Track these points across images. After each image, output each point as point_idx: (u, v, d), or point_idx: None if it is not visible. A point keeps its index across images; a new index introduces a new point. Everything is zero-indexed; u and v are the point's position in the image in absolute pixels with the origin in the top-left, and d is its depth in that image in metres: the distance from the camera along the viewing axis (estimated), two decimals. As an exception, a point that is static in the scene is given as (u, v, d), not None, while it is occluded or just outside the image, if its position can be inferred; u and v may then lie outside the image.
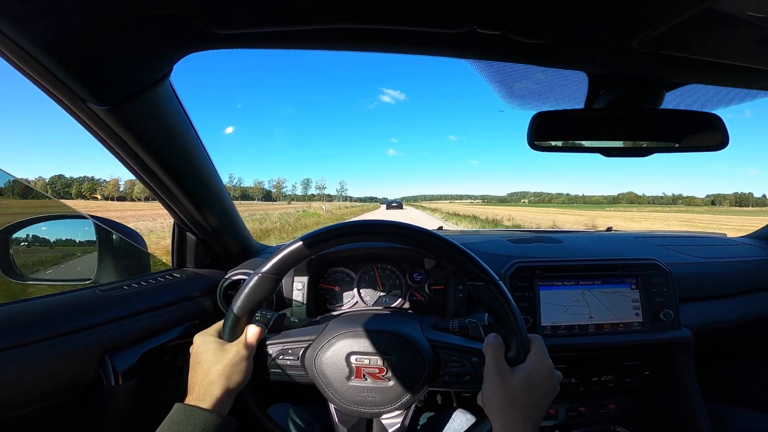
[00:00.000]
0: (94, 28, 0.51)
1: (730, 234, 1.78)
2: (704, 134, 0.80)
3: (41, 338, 0.72)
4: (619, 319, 1.12)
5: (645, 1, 0.50)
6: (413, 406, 0.75)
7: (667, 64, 0.66)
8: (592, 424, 1.21)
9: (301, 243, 0.68)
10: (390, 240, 0.70)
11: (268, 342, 0.74)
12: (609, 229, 1.99)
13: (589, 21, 0.57)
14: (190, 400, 0.64)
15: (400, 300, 1.28)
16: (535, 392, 0.64)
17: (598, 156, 0.84)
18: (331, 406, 0.76)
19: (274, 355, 0.74)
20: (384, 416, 0.74)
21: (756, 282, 1.37)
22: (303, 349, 0.74)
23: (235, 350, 0.68)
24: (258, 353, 0.72)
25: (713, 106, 0.83)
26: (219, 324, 0.73)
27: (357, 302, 1.28)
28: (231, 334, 0.70)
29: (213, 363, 0.66)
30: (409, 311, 1.25)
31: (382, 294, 1.29)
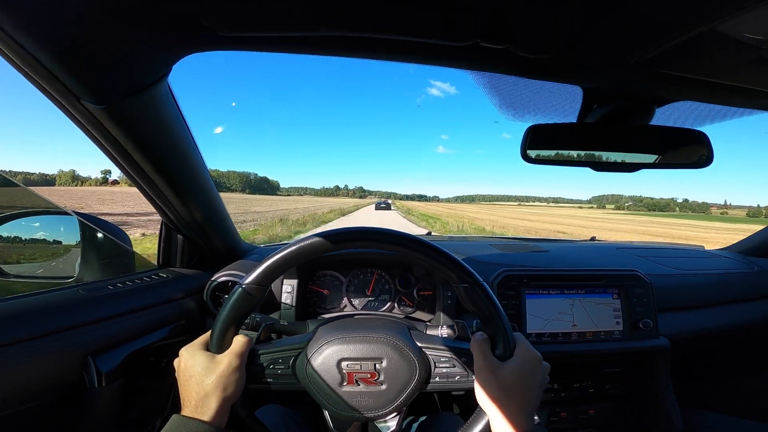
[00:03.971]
0: (95, 24, 0.50)
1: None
2: (690, 151, 0.83)
3: (19, 340, 0.69)
4: (600, 328, 1.16)
5: (648, 20, 0.51)
6: (406, 409, 0.76)
7: (663, 82, 0.68)
8: (573, 429, 1.24)
9: (284, 253, 0.67)
10: (375, 247, 0.70)
11: (258, 351, 0.73)
12: (593, 238, 2.04)
13: (592, 37, 0.58)
14: (186, 413, 0.63)
15: (389, 305, 1.29)
16: (527, 383, 0.65)
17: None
18: (325, 413, 0.76)
19: (265, 364, 0.73)
20: (378, 420, 0.74)
21: (731, 294, 1.43)
22: (293, 358, 0.74)
23: (227, 361, 0.66)
24: (249, 362, 0.71)
25: (700, 123, 0.86)
26: (204, 336, 0.72)
27: (346, 306, 1.28)
28: (219, 345, 0.69)
29: (205, 375, 0.64)
30: (398, 316, 1.26)
31: (371, 298, 1.29)
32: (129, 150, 0.73)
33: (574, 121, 0.87)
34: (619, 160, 0.86)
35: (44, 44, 0.49)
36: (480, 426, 0.69)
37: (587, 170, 0.90)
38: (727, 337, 1.40)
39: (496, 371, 0.65)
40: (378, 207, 66.07)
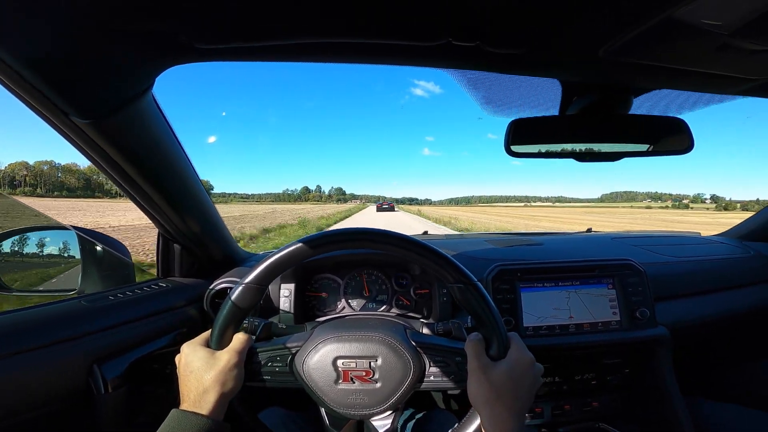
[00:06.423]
0: (77, 42, 0.52)
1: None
2: (671, 138, 0.84)
3: (25, 349, 0.73)
4: (597, 319, 1.15)
5: (608, 12, 0.53)
6: (402, 406, 0.77)
7: (632, 72, 0.69)
8: (578, 421, 1.24)
9: (282, 253, 0.69)
10: (372, 247, 0.71)
11: (257, 349, 0.76)
12: (589, 230, 2.02)
13: (559, 32, 0.59)
14: (184, 407, 0.65)
15: (386, 305, 1.30)
16: (518, 384, 0.66)
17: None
18: (322, 410, 0.78)
19: (263, 362, 0.75)
20: (374, 418, 0.75)
21: (728, 280, 1.42)
22: (291, 356, 0.76)
23: (227, 358, 0.69)
24: (248, 360, 0.74)
25: (679, 110, 0.87)
26: (206, 334, 0.74)
27: (344, 308, 1.29)
28: (219, 342, 0.71)
29: (205, 371, 0.67)
30: (396, 315, 1.27)
31: (368, 299, 1.30)
32: (120, 162, 0.76)
33: (556, 113, 0.89)
34: (601, 150, 0.87)
35: (27, 62, 0.52)
36: (472, 427, 0.70)
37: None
38: (725, 324, 1.39)
39: (488, 372, 0.66)
40: (380, 209, 62.78)
